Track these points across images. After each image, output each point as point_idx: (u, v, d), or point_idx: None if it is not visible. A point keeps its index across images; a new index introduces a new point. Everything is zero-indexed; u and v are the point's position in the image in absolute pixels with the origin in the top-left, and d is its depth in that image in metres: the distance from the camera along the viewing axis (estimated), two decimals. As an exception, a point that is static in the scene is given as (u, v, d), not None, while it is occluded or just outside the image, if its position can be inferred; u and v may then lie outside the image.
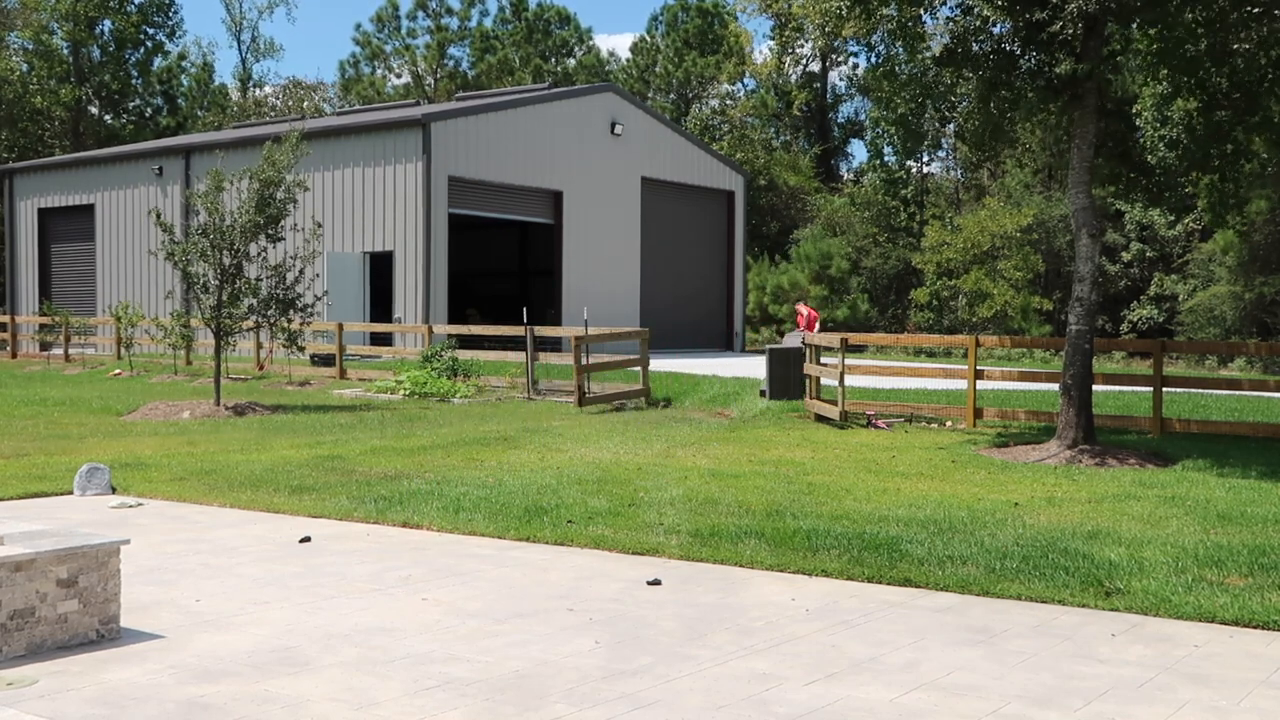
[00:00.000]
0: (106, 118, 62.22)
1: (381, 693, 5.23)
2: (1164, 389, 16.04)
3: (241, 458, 12.86)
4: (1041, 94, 13.94)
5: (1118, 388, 18.57)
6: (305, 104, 69.39)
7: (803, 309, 30.67)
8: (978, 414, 16.56)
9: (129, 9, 60.91)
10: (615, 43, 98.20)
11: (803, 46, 61.46)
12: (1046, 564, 7.63)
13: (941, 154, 56.83)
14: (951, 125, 16.97)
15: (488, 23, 68.05)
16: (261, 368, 27.17)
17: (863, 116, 62.50)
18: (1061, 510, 9.74)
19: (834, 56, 62.86)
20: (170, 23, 63.20)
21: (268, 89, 72.68)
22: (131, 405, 19.36)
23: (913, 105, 14.76)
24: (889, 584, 7.44)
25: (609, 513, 9.44)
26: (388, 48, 69.42)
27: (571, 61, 67.35)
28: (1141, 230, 45.55)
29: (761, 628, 6.40)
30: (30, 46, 59.17)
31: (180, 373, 26.78)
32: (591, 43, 68.85)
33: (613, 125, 35.03)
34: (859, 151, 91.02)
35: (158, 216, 19.60)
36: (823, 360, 18.45)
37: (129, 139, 57.48)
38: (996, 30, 14.23)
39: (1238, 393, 19.20)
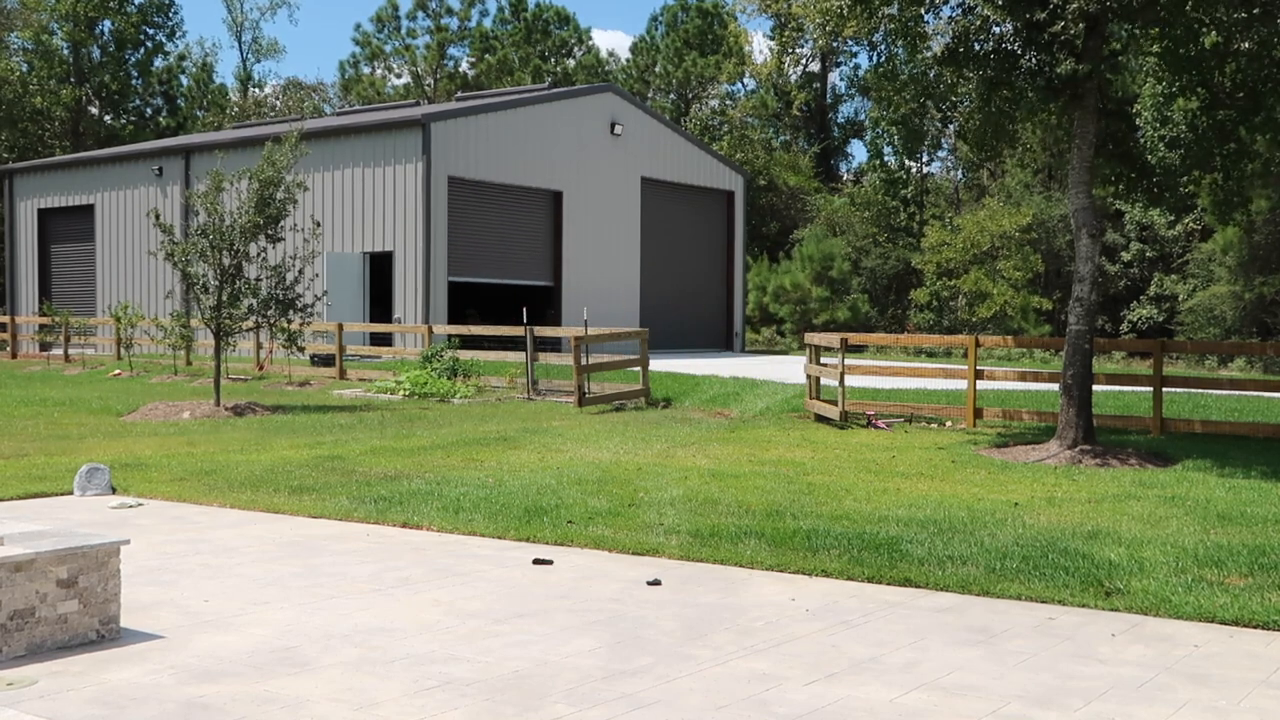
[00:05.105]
0: (106, 118, 62.22)
1: (381, 693, 5.22)
2: (1164, 389, 16.04)
3: (241, 458, 12.86)
4: (1042, 94, 13.94)
5: (1118, 388, 18.57)
6: (305, 104, 69.40)
7: None
8: (978, 414, 16.56)
9: (129, 9, 60.91)
10: (611, 39, 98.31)
11: (803, 47, 61.46)
12: (1046, 564, 7.63)
13: (942, 154, 56.87)
14: (952, 125, 16.98)
15: (487, 23, 68.06)
16: (261, 368, 27.17)
17: (863, 116, 62.49)
18: (1061, 510, 9.74)
19: (834, 57, 62.88)
20: (170, 23, 63.22)
21: (268, 89, 72.75)
22: (131, 405, 19.36)
23: (914, 105, 14.76)
24: (889, 584, 7.44)
25: (609, 513, 9.43)
26: (388, 48, 69.40)
27: (571, 61, 67.34)
28: (1141, 230, 45.53)
29: (761, 628, 6.39)
30: (30, 46, 59.17)
31: (180, 373, 26.78)
32: (591, 43, 68.87)
33: (613, 125, 35.02)
34: (859, 151, 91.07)
35: (156, 217, 19.58)
36: (823, 360, 18.44)
37: (129, 139, 57.47)
38: (997, 30, 14.23)
39: (1240, 393, 19.19)
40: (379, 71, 69.94)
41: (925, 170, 55.67)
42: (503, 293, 42.02)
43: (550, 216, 33.93)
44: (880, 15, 14.08)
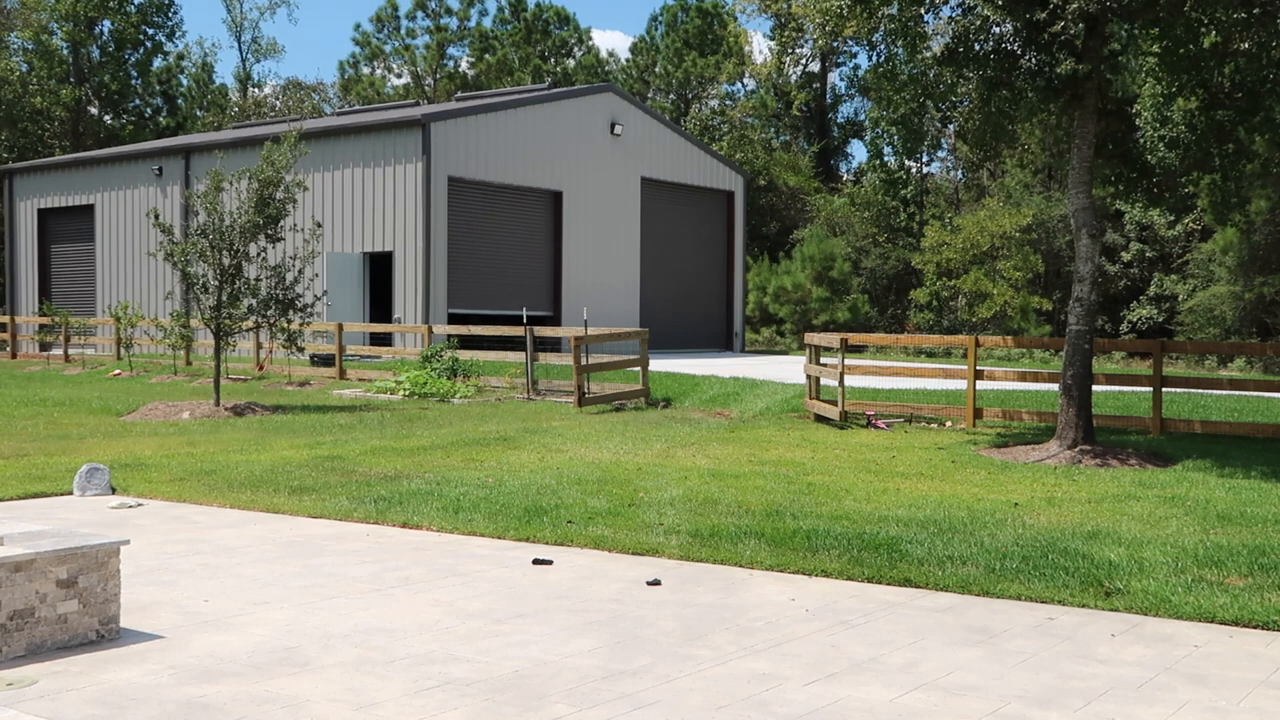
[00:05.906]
0: (106, 118, 62.20)
1: (381, 693, 5.22)
2: (1164, 389, 16.03)
3: (241, 458, 12.86)
4: (1042, 94, 13.94)
5: (1118, 388, 18.57)
6: (305, 104, 69.41)
7: None
8: (978, 414, 16.56)
9: (129, 9, 60.89)
10: (611, 39, 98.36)
11: (803, 47, 61.47)
12: (1046, 564, 7.63)
13: (941, 154, 56.88)
14: (952, 125, 16.99)
15: (487, 23, 68.09)
16: (261, 368, 27.17)
17: (863, 116, 62.50)
18: (1061, 510, 9.74)
19: (834, 57, 62.88)
20: (170, 23, 63.18)
21: (268, 89, 72.76)
22: (131, 405, 19.35)
23: (914, 105, 14.77)
24: (889, 584, 7.44)
25: (609, 513, 9.43)
26: (387, 48, 69.43)
27: (571, 61, 67.36)
28: (1141, 230, 45.53)
29: (761, 628, 6.39)
30: (30, 46, 59.14)
31: (180, 373, 26.78)
32: (591, 43, 68.89)
33: (612, 125, 35.02)
34: (859, 151, 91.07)
35: (156, 217, 19.60)
36: (823, 360, 18.44)
37: (129, 139, 57.46)
38: (997, 30, 14.23)
39: (1239, 393, 19.19)
40: (379, 71, 69.97)
41: (925, 170, 55.68)
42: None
43: (550, 217, 33.93)
44: (880, 15, 14.08)
